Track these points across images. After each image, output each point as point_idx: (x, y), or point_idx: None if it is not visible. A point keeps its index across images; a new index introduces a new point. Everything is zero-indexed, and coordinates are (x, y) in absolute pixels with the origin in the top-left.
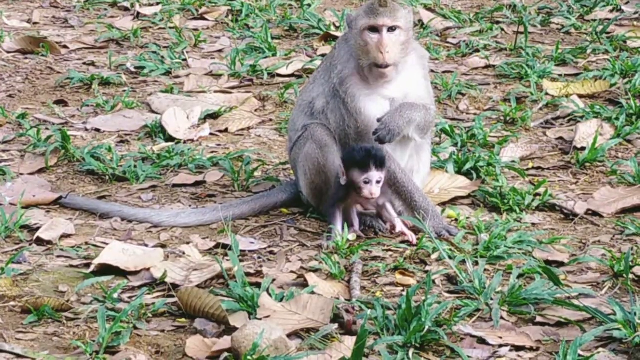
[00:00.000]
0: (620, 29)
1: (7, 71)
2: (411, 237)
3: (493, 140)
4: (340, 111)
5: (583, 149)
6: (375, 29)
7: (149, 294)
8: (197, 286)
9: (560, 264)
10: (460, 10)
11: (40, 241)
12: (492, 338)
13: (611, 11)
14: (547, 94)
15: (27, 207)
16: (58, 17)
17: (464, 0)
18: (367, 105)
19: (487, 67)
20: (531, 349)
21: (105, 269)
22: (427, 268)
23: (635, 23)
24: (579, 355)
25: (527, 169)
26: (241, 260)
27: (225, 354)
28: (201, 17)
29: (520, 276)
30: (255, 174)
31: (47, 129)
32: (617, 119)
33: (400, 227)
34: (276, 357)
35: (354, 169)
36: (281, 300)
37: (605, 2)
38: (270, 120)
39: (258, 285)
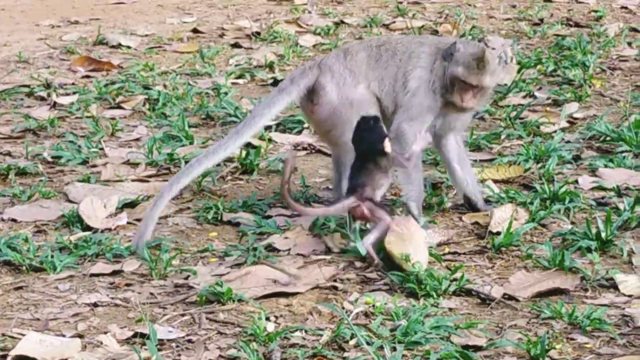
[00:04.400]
0: (533, 115)
1: None
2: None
3: None
4: None
5: (498, 233)
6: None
7: None
8: None
9: (478, 349)
10: None
11: None
12: None
13: (524, 97)
14: None
15: None
16: None
17: None
18: None
19: None
20: None
21: None
22: (346, 354)
23: (548, 108)
24: None
25: (444, 254)
26: (159, 350)
27: None
28: (118, 106)
29: None
30: (173, 262)
31: None
32: (531, 203)
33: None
34: None
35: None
36: None
37: (518, 88)
38: (188, 208)
39: None
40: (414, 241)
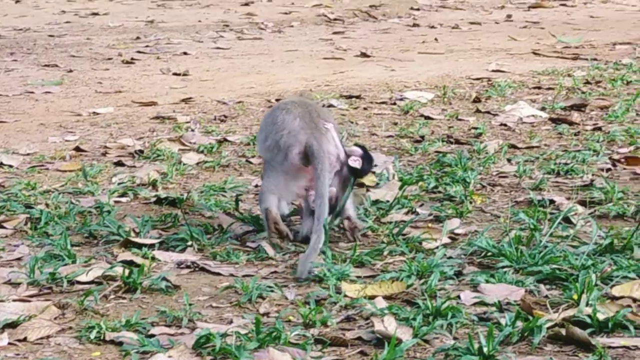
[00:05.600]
0: (415, 231)
1: None
2: None
3: (293, 342)
4: None
5: (382, 349)
6: None
7: None
8: None
9: None
10: (258, 215)
11: None
12: None
13: (406, 213)
14: (345, 295)
15: None
16: None
17: None
18: None
19: (287, 273)
20: None
21: None
22: None
23: (430, 225)
24: None
25: None
26: None
27: None
28: None
29: None
30: None
31: None
32: (414, 319)
33: None
34: None
35: None
36: None
37: (400, 204)
38: (70, 328)
39: None
40: None
